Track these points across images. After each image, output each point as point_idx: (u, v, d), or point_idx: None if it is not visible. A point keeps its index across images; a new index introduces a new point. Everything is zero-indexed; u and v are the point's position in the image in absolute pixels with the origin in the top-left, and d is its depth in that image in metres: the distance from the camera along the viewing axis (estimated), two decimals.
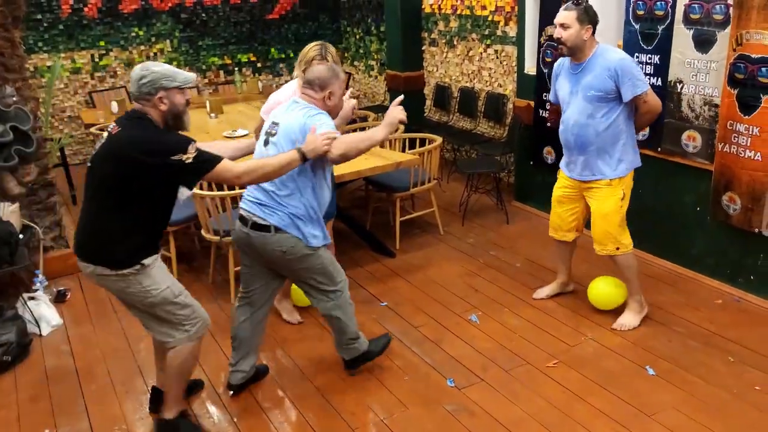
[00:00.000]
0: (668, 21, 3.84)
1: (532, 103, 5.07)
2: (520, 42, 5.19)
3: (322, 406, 3.05)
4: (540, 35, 4.88)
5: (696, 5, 3.66)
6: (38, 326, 3.77)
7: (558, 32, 3.28)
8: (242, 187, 3.06)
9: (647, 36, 3.98)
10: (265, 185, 2.81)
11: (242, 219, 2.89)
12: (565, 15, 3.24)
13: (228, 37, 7.65)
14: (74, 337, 3.75)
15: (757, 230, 3.60)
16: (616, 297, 3.63)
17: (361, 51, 7.87)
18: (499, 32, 5.69)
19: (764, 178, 3.48)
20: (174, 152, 2.42)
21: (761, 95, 3.41)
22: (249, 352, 3.13)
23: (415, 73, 6.77)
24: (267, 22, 7.80)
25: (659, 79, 3.96)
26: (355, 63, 8.06)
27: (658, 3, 3.87)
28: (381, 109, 7.22)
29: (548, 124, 4.85)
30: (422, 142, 5.11)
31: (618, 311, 3.62)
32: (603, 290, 3.66)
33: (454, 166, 6.05)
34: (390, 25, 6.82)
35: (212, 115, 5.76)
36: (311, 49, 3.35)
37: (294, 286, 3.76)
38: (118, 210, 2.51)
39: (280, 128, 2.84)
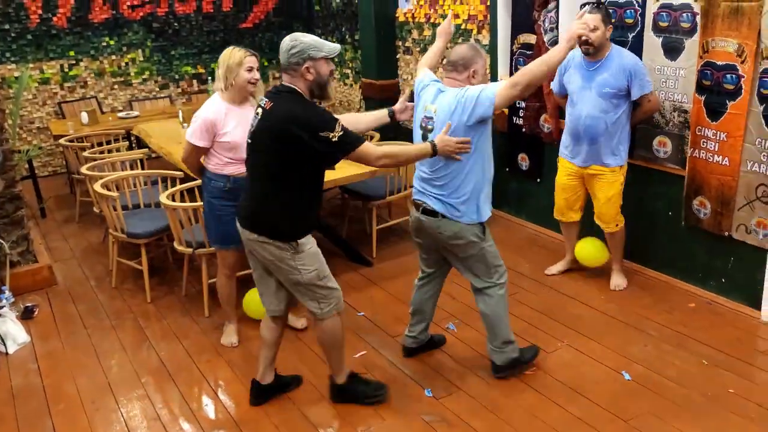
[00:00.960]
0: (638, 29, 3.89)
1: (506, 111, 5.10)
2: (492, 50, 5.22)
3: (299, 417, 3.01)
4: (512, 44, 4.91)
5: (664, 13, 3.72)
6: (4, 344, 3.67)
7: (588, 34, 3.49)
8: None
9: (618, 43, 4.01)
10: (424, 174, 2.98)
11: (415, 204, 3.09)
12: (593, 17, 3.50)
13: (201, 46, 7.59)
14: (42, 354, 3.67)
15: (726, 233, 3.65)
16: (602, 254, 4.14)
17: (336, 59, 7.85)
18: (472, 40, 5.71)
19: (732, 183, 3.53)
20: (323, 129, 2.55)
21: (727, 101, 3.46)
22: (423, 320, 3.40)
23: (390, 81, 6.76)
24: (240, 31, 7.76)
25: None
26: None
27: (628, 11, 3.92)
28: None
29: (523, 130, 4.88)
30: None
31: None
32: (590, 248, 4.13)
33: None
34: (364, 34, 6.82)
35: (185, 125, 5.70)
36: (236, 51, 3.22)
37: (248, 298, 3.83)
38: (276, 184, 2.68)
39: (438, 119, 2.86)
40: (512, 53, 4.93)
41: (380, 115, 3.16)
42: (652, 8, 3.77)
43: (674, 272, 4.07)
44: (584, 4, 3.75)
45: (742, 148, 3.46)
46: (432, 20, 6.15)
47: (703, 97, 3.58)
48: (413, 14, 6.38)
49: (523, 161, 5.05)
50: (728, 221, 3.61)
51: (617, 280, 4.08)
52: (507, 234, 5.01)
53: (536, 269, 4.36)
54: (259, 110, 2.68)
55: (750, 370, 3.19)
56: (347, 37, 7.50)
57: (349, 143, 2.61)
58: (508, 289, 3.20)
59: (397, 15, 6.60)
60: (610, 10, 3.69)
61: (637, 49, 3.90)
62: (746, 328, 3.55)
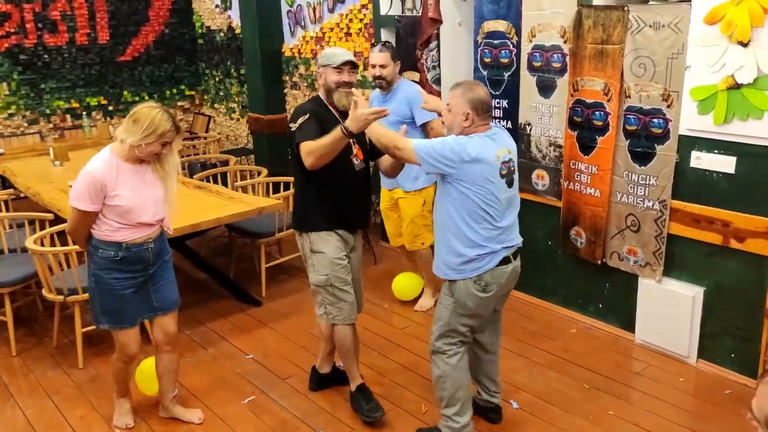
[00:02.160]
0: (514, 68, 4.08)
1: None
2: None
3: None
4: None
5: (537, 54, 3.93)
6: None
7: (378, 71, 3.92)
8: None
9: (495, 82, 4.21)
10: (500, 224, 2.69)
11: (507, 259, 2.75)
12: (383, 56, 3.91)
13: (75, 80, 7.18)
14: None
15: (600, 261, 3.85)
16: (415, 288, 4.41)
17: (222, 93, 7.71)
18: (359, 76, 5.79)
19: (604, 213, 3.75)
20: (292, 120, 2.89)
21: (597, 137, 3.69)
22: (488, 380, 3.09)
23: (278, 116, 6.71)
24: (119, 64, 7.43)
25: (509, 122, 4.19)
26: (216, 105, 7.87)
27: (503, 51, 4.12)
28: (244, 152, 7.11)
29: None
30: (287, 186, 5.04)
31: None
32: (404, 282, 4.41)
33: None
34: (250, 68, 6.74)
35: (56, 162, 5.34)
36: (163, 120, 2.74)
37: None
38: (296, 177, 3.04)
39: (514, 156, 2.76)
40: None
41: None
42: (526, 49, 3.98)
43: (556, 299, 4.25)
44: (373, 44, 4.08)
45: (611, 180, 3.69)
46: (318, 55, 6.17)
47: (575, 133, 3.80)
48: (299, 49, 6.39)
49: None
50: (601, 249, 3.83)
51: (423, 301, 4.34)
52: (398, 266, 5.03)
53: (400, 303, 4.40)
54: None
55: (627, 392, 3.35)
56: (232, 71, 7.39)
57: (296, 138, 2.83)
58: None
59: (283, 50, 6.59)
60: (486, 51, 3.82)
61: (514, 87, 4.10)
62: (622, 350, 3.74)
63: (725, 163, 3.23)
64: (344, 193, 2.98)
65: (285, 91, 6.72)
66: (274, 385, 3.50)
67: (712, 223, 3.33)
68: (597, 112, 3.67)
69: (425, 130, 3.93)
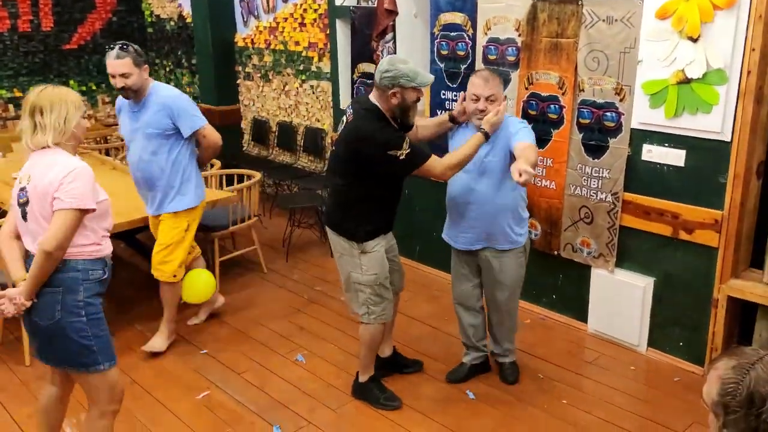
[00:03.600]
0: (470, 61, 4.09)
1: None
2: (334, 78, 5.26)
3: None
4: (353, 72, 4.97)
5: (492, 47, 3.95)
6: None
7: (120, 82, 3.29)
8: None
9: (452, 75, 4.21)
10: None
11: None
12: (122, 64, 3.27)
13: (18, 68, 6.88)
14: None
15: (555, 252, 3.91)
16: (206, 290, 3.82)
17: (173, 84, 7.51)
18: (313, 68, 5.72)
19: (559, 205, 3.80)
20: (391, 147, 2.76)
21: (551, 130, 3.73)
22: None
23: (231, 107, 6.59)
24: (64, 53, 7.16)
25: None
26: None
27: (460, 44, 4.12)
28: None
29: None
30: (240, 178, 4.95)
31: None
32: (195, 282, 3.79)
33: (275, 201, 5.93)
34: (201, 58, 6.59)
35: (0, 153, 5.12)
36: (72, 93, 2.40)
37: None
38: (346, 187, 2.95)
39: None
40: (353, 82, 4.98)
41: (442, 120, 3.23)
42: (482, 42, 3.99)
43: None
44: (110, 47, 3.37)
45: (565, 173, 3.73)
46: (272, 46, 6.08)
47: (529, 126, 3.82)
48: (252, 40, 6.28)
49: None
50: (557, 241, 3.88)
51: (155, 342, 3.66)
52: None
53: None
54: (344, 119, 2.95)
55: (580, 381, 3.41)
56: (183, 61, 7.21)
57: (415, 161, 2.82)
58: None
59: (235, 40, 6.46)
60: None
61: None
62: (575, 340, 3.81)
63: (675, 157, 3.31)
64: (394, 201, 3.05)
65: (238, 82, 6.60)
66: (229, 379, 3.43)
67: (663, 215, 3.41)
68: (552, 106, 3.71)
69: (197, 139, 3.56)
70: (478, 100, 2.97)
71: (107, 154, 6.03)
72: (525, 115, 3.83)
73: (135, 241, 4.43)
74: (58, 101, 2.32)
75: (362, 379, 3.24)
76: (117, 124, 7.32)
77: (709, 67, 3.06)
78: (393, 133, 2.84)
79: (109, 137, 6.78)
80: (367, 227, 2.97)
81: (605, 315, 3.76)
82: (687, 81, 3.15)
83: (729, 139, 3.10)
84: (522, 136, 2.96)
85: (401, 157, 2.77)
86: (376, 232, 3.00)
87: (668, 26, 3.16)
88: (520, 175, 2.60)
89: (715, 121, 3.11)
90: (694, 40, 3.08)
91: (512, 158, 2.94)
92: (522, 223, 3.16)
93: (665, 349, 3.58)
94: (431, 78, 2.91)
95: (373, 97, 2.88)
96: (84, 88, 7.31)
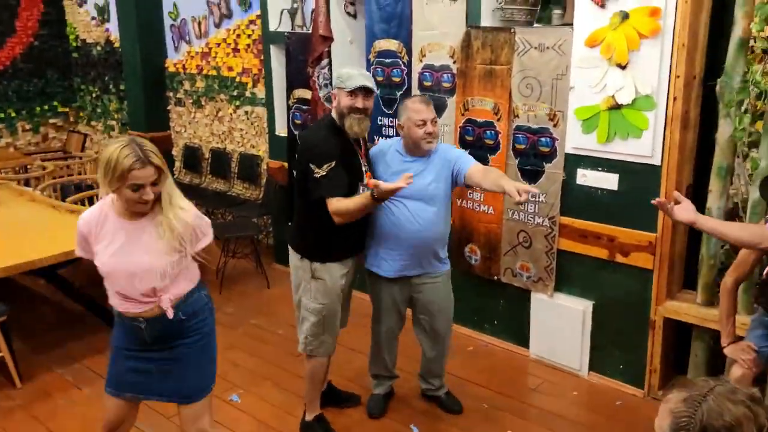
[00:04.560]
0: (405, 87, 4.07)
1: (286, 164, 5.03)
2: (269, 104, 5.15)
3: None
4: (288, 97, 4.89)
5: (427, 73, 3.94)
6: None
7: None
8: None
9: (388, 101, 4.18)
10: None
11: None
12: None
13: None
14: None
15: (495, 277, 3.89)
16: None
17: (99, 110, 7.23)
18: (248, 93, 5.60)
19: (498, 230, 3.79)
20: (313, 159, 2.70)
21: (488, 155, 3.73)
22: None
23: (162, 133, 6.37)
24: None
25: None
26: (93, 123, 7.38)
27: (395, 71, 4.10)
28: None
29: None
30: None
31: None
32: None
33: None
34: (130, 84, 6.37)
35: None
36: (121, 156, 2.11)
37: None
38: (301, 204, 2.87)
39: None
40: (289, 107, 4.89)
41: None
42: (417, 68, 3.98)
43: (453, 319, 4.23)
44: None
45: (503, 198, 3.73)
46: (204, 71, 5.93)
47: (467, 152, 3.81)
48: (184, 65, 6.12)
49: None
50: (497, 266, 3.86)
51: None
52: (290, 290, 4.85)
53: None
54: None
55: (524, 408, 3.37)
56: (111, 86, 6.96)
57: (321, 188, 2.69)
58: None
59: (166, 65, 6.28)
60: (378, 69, 3.68)
61: None
62: (518, 366, 3.78)
63: (609, 180, 3.35)
64: (351, 225, 2.82)
65: (169, 108, 6.40)
66: (159, 425, 3.22)
67: (599, 238, 3.44)
68: (488, 131, 3.71)
69: None
70: (425, 124, 2.87)
71: (26, 184, 5.70)
72: (462, 141, 3.83)
73: (57, 277, 4.16)
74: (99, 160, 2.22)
75: (308, 417, 3.12)
76: (38, 153, 7.04)
77: (638, 93, 3.12)
78: (326, 146, 2.73)
79: (29, 166, 6.43)
80: (321, 250, 2.86)
81: (546, 340, 3.75)
82: (617, 107, 3.20)
83: (659, 163, 3.16)
84: (469, 159, 2.96)
85: (315, 175, 2.69)
86: (331, 256, 2.87)
87: (597, 54, 3.21)
88: (520, 194, 2.54)
89: (646, 146, 3.17)
90: (623, 68, 3.14)
91: (455, 184, 2.95)
92: (446, 246, 3.16)
93: (606, 372, 3.59)
94: (359, 81, 2.74)
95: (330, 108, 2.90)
96: (2, 116, 6.94)
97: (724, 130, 2.99)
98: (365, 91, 2.77)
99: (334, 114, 2.83)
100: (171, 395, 2.41)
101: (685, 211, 2.50)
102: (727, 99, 2.93)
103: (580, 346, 3.62)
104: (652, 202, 2.52)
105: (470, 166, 2.90)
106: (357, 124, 2.78)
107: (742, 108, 2.91)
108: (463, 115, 3.81)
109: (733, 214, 3.19)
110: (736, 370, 2.79)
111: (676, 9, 2.93)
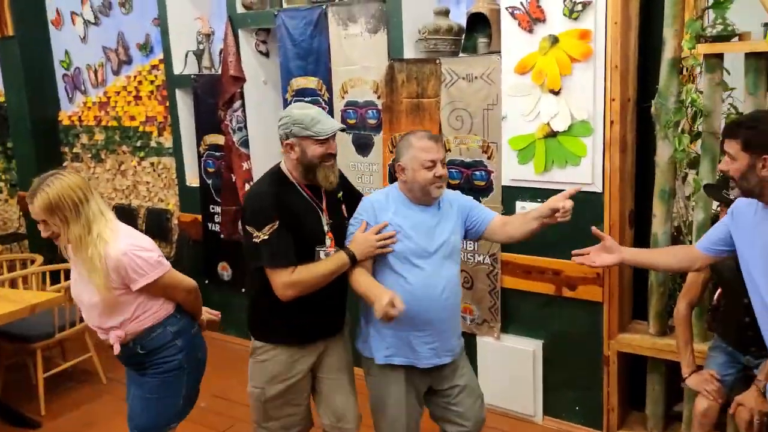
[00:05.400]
0: None
1: (200, 217, 4.64)
2: (177, 153, 4.77)
3: None
4: (199, 144, 4.53)
5: (351, 111, 3.72)
6: None
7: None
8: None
9: None
10: None
11: None
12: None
13: None
14: None
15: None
16: None
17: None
18: (153, 143, 5.18)
19: None
20: (251, 221, 2.25)
21: None
22: None
23: None
24: None
25: None
26: None
27: None
28: (15, 238, 6.04)
29: (221, 236, 4.44)
30: (68, 274, 4.21)
31: None
32: None
33: None
34: (19, 141, 5.79)
35: None
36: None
37: None
38: (250, 276, 2.44)
39: None
40: (200, 155, 4.54)
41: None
42: (339, 106, 3.75)
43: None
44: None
45: None
46: (104, 122, 5.48)
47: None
48: (80, 117, 5.63)
49: (225, 270, 4.58)
50: None
51: None
52: (214, 354, 4.39)
53: None
54: None
55: None
56: None
57: (263, 256, 2.23)
58: None
59: (60, 118, 5.77)
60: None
61: None
62: None
63: None
64: (310, 299, 2.29)
65: (65, 164, 5.85)
66: None
67: (543, 272, 3.26)
68: None
69: None
70: (434, 165, 2.36)
71: None
72: (392, 180, 3.58)
73: None
74: None
75: None
76: None
77: (574, 119, 3.01)
78: (268, 203, 2.26)
79: None
80: (263, 326, 2.43)
81: (496, 385, 3.49)
82: (553, 134, 3.07)
83: (601, 190, 3.04)
84: (489, 210, 2.56)
85: (255, 240, 2.23)
86: (276, 336, 2.40)
87: (529, 81, 3.09)
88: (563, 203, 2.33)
89: (585, 173, 3.05)
90: (556, 93, 3.02)
91: (465, 236, 2.54)
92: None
93: (562, 416, 3.37)
94: (335, 126, 2.33)
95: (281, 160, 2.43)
96: None
97: (663, 152, 2.91)
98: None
99: (288, 166, 2.36)
100: (131, 420, 2.48)
101: (607, 254, 2.38)
102: (664, 120, 2.85)
103: (532, 389, 3.40)
104: (574, 259, 2.41)
105: (493, 218, 2.51)
106: (332, 173, 2.35)
107: (679, 128, 2.84)
108: (391, 152, 3.59)
109: (676, 237, 3.10)
110: (701, 402, 2.66)
111: (606, 30, 2.85)
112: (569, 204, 2.33)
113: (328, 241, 2.36)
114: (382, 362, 2.43)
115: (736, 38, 2.60)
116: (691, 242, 2.91)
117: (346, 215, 2.50)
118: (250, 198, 2.35)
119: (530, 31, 3.02)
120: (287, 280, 2.23)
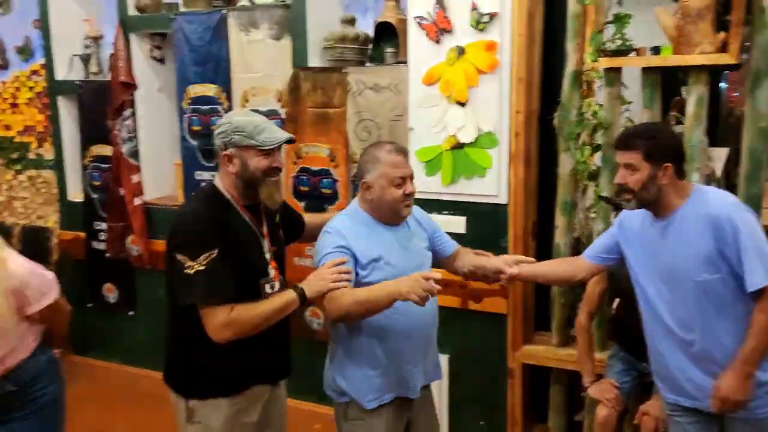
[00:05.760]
0: None
1: (83, 234, 4.28)
2: (59, 165, 4.40)
3: None
4: (83, 156, 4.20)
5: None
6: None
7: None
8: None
9: (207, 152, 3.71)
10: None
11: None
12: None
13: None
14: None
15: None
16: None
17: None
18: (31, 155, 4.76)
19: None
20: (184, 248, 1.88)
21: (326, 206, 3.42)
22: None
23: None
24: None
25: None
26: None
27: (214, 118, 3.66)
28: None
29: (107, 255, 4.11)
30: None
31: None
32: None
33: None
34: None
35: None
36: None
37: None
38: (175, 319, 2.04)
39: None
40: (84, 167, 4.20)
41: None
42: None
43: (292, 393, 3.75)
44: None
45: None
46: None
47: (302, 203, 3.47)
48: None
49: (110, 293, 4.23)
50: None
51: None
52: (96, 386, 4.03)
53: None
54: None
55: None
56: None
57: (197, 290, 1.86)
58: None
59: None
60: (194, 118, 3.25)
61: None
62: None
63: (456, 224, 3.17)
64: (250, 341, 1.96)
65: None
66: None
67: (449, 285, 3.22)
68: (324, 180, 3.41)
69: None
70: (404, 182, 2.15)
71: None
72: (297, 192, 3.47)
73: None
74: None
75: None
76: None
77: (480, 131, 3.02)
78: (204, 228, 1.92)
79: None
80: (200, 379, 2.01)
81: None
82: (460, 146, 3.07)
83: (506, 202, 3.06)
84: (449, 239, 2.48)
85: (187, 271, 1.86)
86: (211, 388, 2.01)
87: (436, 92, 3.08)
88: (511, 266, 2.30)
89: (491, 185, 3.06)
90: (463, 105, 3.03)
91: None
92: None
93: (468, 431, 3.32)
94: (282, 136, 2.01)
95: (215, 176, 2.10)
96: None
97: (565, 165, 2.97)
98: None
99: (225, 183, 2.02)
100: None
101: (504, 266, 2.36)
102: (566, 133, 2.92)
103: (438, 405, 3.32)
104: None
105: (455, 248, 2.43)
106: (277, 191, 2.06)
107: (580, 141, 2.92)
108: (295, 163, 3.46)
109: (576, 249, 3.16)
110: (602, 410, 2.70)
111: (511, 43, 2.90)
112: (515, 271, 2.30)
113: (271, 272, 2.06)
114: (372, 407, 2.19)
115: (634, 53, 2.71)
116: None
117: (284, 241, 2.24)
118: (184, 221, 1.97)
119: (437, 41, 3.02)
120: (225, 319, 1.88)
